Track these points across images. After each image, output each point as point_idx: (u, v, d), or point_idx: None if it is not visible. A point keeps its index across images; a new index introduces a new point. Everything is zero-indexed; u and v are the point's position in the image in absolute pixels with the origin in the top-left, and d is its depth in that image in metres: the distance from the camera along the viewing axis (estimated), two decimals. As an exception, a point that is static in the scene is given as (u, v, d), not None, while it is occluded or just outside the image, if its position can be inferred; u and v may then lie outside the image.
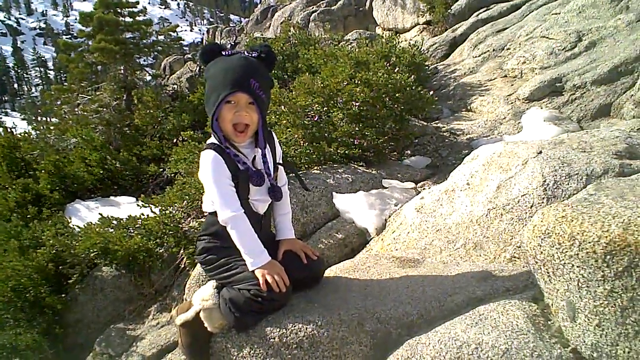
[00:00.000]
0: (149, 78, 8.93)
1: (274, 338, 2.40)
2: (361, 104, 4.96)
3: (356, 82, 5.07)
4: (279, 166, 2.73)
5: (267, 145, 2.62)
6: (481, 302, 2.51)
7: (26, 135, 8.23)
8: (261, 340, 2.41)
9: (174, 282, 5.00)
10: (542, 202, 3.11)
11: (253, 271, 2.40)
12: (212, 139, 2.51)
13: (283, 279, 2.40)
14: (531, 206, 3.15)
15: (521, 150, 3.58)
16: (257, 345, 2.41)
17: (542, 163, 3.31)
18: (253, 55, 2.49)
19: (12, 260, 4.81)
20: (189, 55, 20.81)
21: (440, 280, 2.78)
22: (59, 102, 8.73)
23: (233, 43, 9.69)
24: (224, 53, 2.47)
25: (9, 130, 7.80)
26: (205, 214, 2.71)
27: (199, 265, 4.44)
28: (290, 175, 3.48)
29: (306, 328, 2.40)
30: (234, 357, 2.44)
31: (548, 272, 2.13)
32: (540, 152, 3.45)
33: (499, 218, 3.26)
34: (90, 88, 8.35)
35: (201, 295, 2.57)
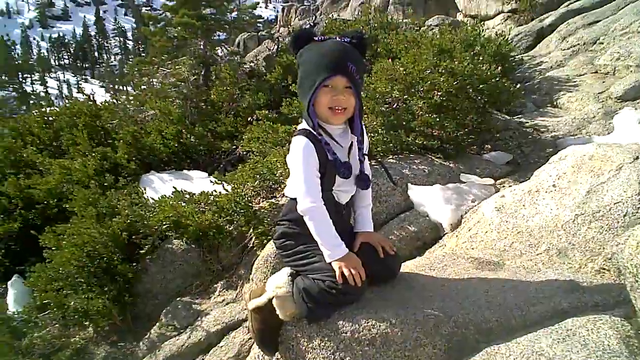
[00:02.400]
0: (226, 54, 9.01)
1: (346, 332, 2.36)
2: (443, 93, 4.80)
3: (440, 70, 4.90)
4: (365, 157, 2.66)
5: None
6: (567, 315, 2.37)
7: (107, 104, 8.50)
8: (332, 333, 2.39)
9: (242, 260, 5.04)
10: (637, 212, 2.92)
11: (330, 262, 2.36)
12: (304, 124, 2.47)
13: (360, 273, 2.35)
14: (624, 215, 2.95)
15: (615, 154, 3.35)
16: (327, 338, 2.39)
17: (638, 170, 3.09)
18: (345, 40, 2.43)
19: (89, 227, 4.98)
20: (264, 33, 20.91)
21: (523, 287, 2.65)
22: (138, 74, 8.96)
23: (312, 24, 9.63)
24: (316, 39, 2.42)
25: (91, 98, 8.08)
26: (287, 198, 2.69)
27: (267, 246, 4.47)
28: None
29: (380, 325, 2.36)
30: (304, 347, 2.43)
31: (650, 293, 1.97)
32: (637, 158, 3.23)
33: (587, 225, 3.07)
34: (170, 62, 8.52)
35: (275, 283, 2.56)
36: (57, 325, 5.05)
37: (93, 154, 6.87)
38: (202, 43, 8.44)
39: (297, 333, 2.47)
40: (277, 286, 2.53)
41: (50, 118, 8.54)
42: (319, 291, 2.35)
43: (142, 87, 8.53)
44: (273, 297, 2.52)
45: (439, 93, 4.83)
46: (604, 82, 6.19)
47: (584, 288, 2.57)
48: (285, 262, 2.65)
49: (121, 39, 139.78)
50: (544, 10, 10.49)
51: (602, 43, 7.21)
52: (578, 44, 7.67)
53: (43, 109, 8.87)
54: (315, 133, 2.42)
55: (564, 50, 7.79)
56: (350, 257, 2.39)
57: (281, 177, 5.18)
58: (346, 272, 2.31)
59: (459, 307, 2.46)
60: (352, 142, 2.55)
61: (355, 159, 2.58)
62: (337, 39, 2.44)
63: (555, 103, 6.24)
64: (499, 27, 11.00)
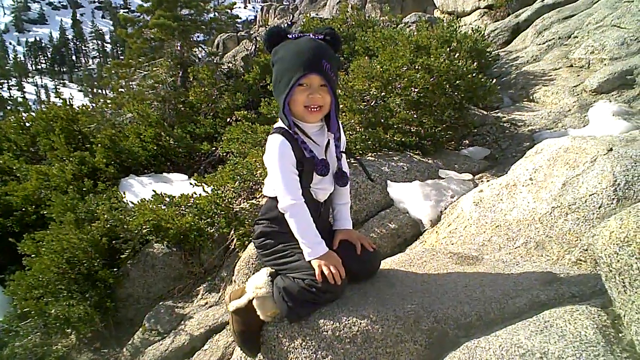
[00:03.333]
0: (204, 55, 8.95)
1: (327, 331, 2.35)
2: (420, 90, 4.82)
3: (416, 67, 4.92)
4: (343, 154, 2.66)
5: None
6: (545, 306, 2.39)
7: (84, 108, 8.41)
8: (314, 332, 2.38)
9: (224, 262, 5.03)
10: (612, 204, 2.95)
11: (309, 261, 2.36)
12: (280, 123, 2.46)
13: (339, 271, 2.34)
14: (599, 207, 2.98)
15: (590, 147, 3.38)
16: (309, 337, 2.37)
17: (612, 161, 3.12)
18: (319, 37, 2.42)
19: (68, 233, 4.93)
20: (243, 33, 20.81)
21: (501, 280, 2.66)
22: (116, 77, 8.87)
23: (289, 23, 9.60)
24: (290, 36, 2.41)
25: (68, 102, 7.98)
26: (265, 198, 2.68)
27: (249, 247, 4.46)
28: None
29: (360, 323, 2.35)
30: (285, 347, 2.41)
31: (624, 282, 2.00)
32: (611, 149, 3.26)
33: (563, 217, 3.11)
34: (148, 64, 8.44)
35: (255, 283, 2.54)
36: (38, 333, 4.99)
37: (71, 159, 6.79)
38: (179, 44, 8.37)
39: (279, 333, 2.46)
40: (257, 286, 2.52)
41: (27, 123, 8.43)
42: (299, 290, 2.34)
43: (120, 89, 8.44)
44: (253, 298, 2.51)
45: (416, 90, 4.85)
46: (578, 75, 6.26)
47: (562, 279, 2.59)
48: (265, 262, 2.63)
49: (99, 42, 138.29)
50: (519, 6, 10.59)
51: (577, 37, 7.29)
52: (553, 38, 7.75)
53: (19, 115, 8.73)
54: (291, 132, 2.41)
55: (539, 44, 7.87)
56: (330, 255, 2.38)
57: (261, 178, 5.17)
58: (326, 271, 2.31)
59: (438, 303, 2.46)
60: (329, 140, 2.55)
61: (333, 156, 2.58)
62: (311, 36, 2.44)
63: (531, 97, 6.30)
64: (476, 23, 11.06)
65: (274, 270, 2.56)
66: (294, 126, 2.43)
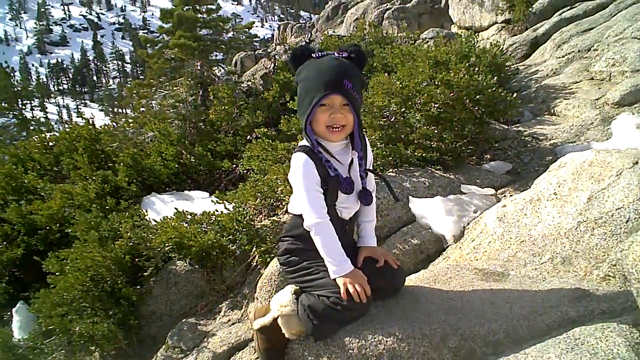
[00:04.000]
0: (223, 73, 9.05)
1: (353, 349, 2.34)
2: (440, 105, 4.81)
3: (436, 82, 4.92)
4: (369, 172, 2.67)
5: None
6: (574, 324, 2.36)
7: (106, 127, 8.53)
8: (340, 350, 2.37)
9: (245, 279, 5.02)
10: (639, 218, 2.90)
11: (335, 279, 2.35)
12: (304, 142, 2.48)
13: (365, 289, 2.34)
14: (627, 221, 2.94)
15: (615, 160, 3.34)
16: (335, 355, 2.37)
17: (639, 175, 3.08)
18: (343, 55, 2.43)
19: (92, 251, 4.97)
20: (260, 51, 21.05)
21: (529, 297, 2.63)
22: (137, 97, 9.00)
23: (307, 41, 9.69)
24: (314, 55, 2.42)
25: (90, 122, 8.10)
26: (290, 215, 2.69)
27: (271, 264, 4.46)
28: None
29: (386, 341, 2.34)
30: (311, 366, 2.41)
31: (656, 299, 1.96)
32: (637, 163, 3.22)
33: (590, 232, 3.06)
34: (168, 83, 8.57)
35: (279, 301, 2.54)
36: (62, 351, 5.01)
37: (94, 178, 6.86)
38: (199, 64, 8.48)
39: (304, 351, 2.46)
40: (282, 304, 2.52)
41: (50, 143, 8.56)
42: (324, 308, 2.34)
43: (141, 109, 8.55)
44: (278, 316, 2.51)
45: (436, 105, 4.85)
46: (600, 88, 6.21)
47: (591, 296, 2.55)
48: (289, 279, 2.64)
49: (119, 62, 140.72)
50: (537, 20, 10.56)
51: (597, 50, 7.24)
52: (573, 52, 7.71)
53: (43, 135, 8.89)
54: (314, 150, 2.42)
55: (559, 58, 7.83)
56: (355, 273, 2.38)
57: (282, 195, 5.18)
58: (351, 289, 2.30)
59: (465, 320, 2.44)
60: (352, 159, 2.55)
61: (357, 174, 2.58)
62: (335, 54, 2.44)
63: (552, 111, 6.25)
64: (494, 37, 11.06)
65: (298, 287, 2.56)
66: (317, 145, 2.44)
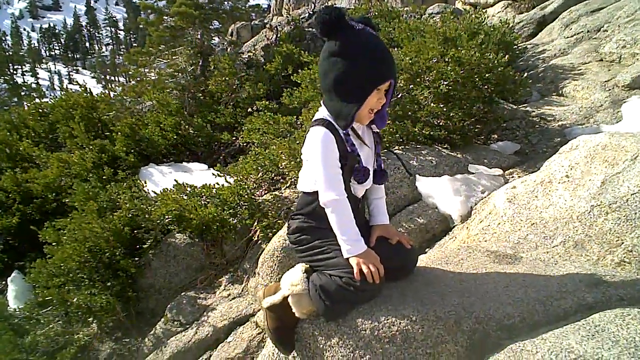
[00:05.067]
0: (225, 44, 8.88)
1: (366, 330, 2.30)
2: (450, 83, 4.71)
3: (446, 59, 4.81)
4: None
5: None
6: (592, 309, 2.31)
7: (103, 96, 8.37)
8: (351, 331, 2.32)
9: (246, 254, 4.98)
10: (655, 204, 2.85)
11: (348, 258, 2.29)
12: (321, 114, 2.36)
13: (378, 270, 2.27)
14: (642, 207, 2.88)
15: (629, 144, 3.28)
16: (346, 336, 2.32)
17: (655, 160, 3.03)
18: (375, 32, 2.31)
19: (91, 222, 4.89)
20: (257, 22, 20.70)
21: (543, 281, 2.58)
22: (135, 65, 8.81)
23: (311, 12, 9.49)
24: (353, 25, 2.21)
25: (88, 90, 7.95)
26: (300, 193, 2.60)
27: (273, 240, 4.40)
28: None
29: (400, 322, 2.29)
30: (321, 346, 2.36)
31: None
32: (652, 147, 3.16)
33: (603, 216, 3.01)
34: (168, 52, 8.38)
35: (290, 280, 2.48)
36: (60, 322, 4.97)
37: (91, 147, 6.76)
38: (199, 33, 8.30)
39: (315, 331, 2.41)
40: (293, 283, 2.45)
41: (46, 110, 8.41)
42: (336, 288, 2.28)
43: (139, 78, 8.38)
44: (288, 295, 2.45)
45: (445, 82, 4.75)
46: (609, 70, 6.11)
47: (607, 282, 2.51)
48: (300, 258, 2.57)
49: (112, 29, 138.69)
50: (545, -2, 10.39)
51: (607, 31, 7.12)
52: (582, 32, 7.58)
53: (37, 101, 8.73)
54: (336, 125, 2.31)
55: (567, 38, 7.70)
56: (368, 253, 2.31)
57: (285, 170, 5.10)
58: (365, 269, 2.24)
59: (479, 303, 2.39)
60: (373, 136, 2.49)
61: (373, 154, 2.51)
62: (368, 29, 2.29)
63: (560, 92, 6.16)
64: (499, 14, 10.88)
65: (309, 266, 2.50)
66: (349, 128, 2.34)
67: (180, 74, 8.14)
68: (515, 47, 7.16)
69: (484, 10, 7.42)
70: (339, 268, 2.31)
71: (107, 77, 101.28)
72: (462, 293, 2.49)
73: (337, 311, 2.35)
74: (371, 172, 2.48)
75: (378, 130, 2.53)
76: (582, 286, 2.48)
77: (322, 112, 2.36)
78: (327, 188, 2.28)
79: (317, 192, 2.35)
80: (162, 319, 4.67)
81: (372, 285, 2.27)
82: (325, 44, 2.27)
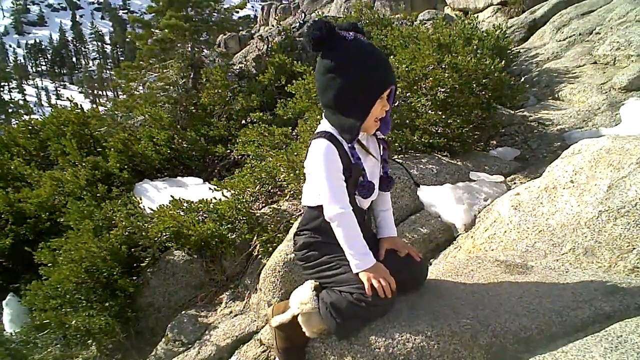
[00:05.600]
0: (214, 56, 8.82)
1: (379, 348, 2.23)
2: (447, 90, 4.67)
3: (443, 66, 4.77)
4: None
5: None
6: (610, 319, 2.26)
7: (94, 111, 8.27)
8: (365, 349, 2.25)
9: (247, 269, 4.90)
10: (666, 207, 2.81)
11: (357, 273, 2.22)
12: (323, 127, 2.29)
13: (390, 284, 2.21)
14: (651, 211, 2.84)
15: (633, 147, 3.24)
16: (360, 355, 2.25)
17: (661, 162, 2.99)
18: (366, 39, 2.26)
19: (87, 242, 4.79)
20: (244, 33, 20.64)
21: (557, 290, 2.52)
22: (125, 80, 8.73)
23: (302, 21, 9.45)
24: (343, 35, 2.18)
25: (79, 106, 7.84)
26: (305, 208, 2.53)
27: (274, 255, 4.32)
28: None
29: (414, 339, 2.22)
30: (334, 365, 2.29)
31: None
32: (658, 150, 3.12)
33: (612, 222, 2.96)
34: (158, 65, 8.30)
35: (299, 298, 2.40)
36: (58, 345, 4.87)
37: (83, 164, 6.66)
38: (189, 45, 8.23)
39: (326, 350, 2.34)
40: (302, 302, 2.38)
41: (36, 127, 8.30)
42: (347, 305, 2.21)
43: (130, 92, 8.30)
44: (298, 314, 2.38)
45: (443, 89, 4.71)
46: (604, 72, 6.10)
47: (624, 289, 2.45)
48: (308, 275, 2.49)
49: (99, 43, 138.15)
50: (534, 2, 10.40)
51: (599, 33, 7.13)
52: (574, 35, 7.58)
53: (27, 118, 8.61)
54: (338, 138, 2.25)
55: (559, 41, 7.71)
56: (378, 267, 2.25)
57: (284, 182, 5.03)
58: (376, 284, 2.18)
59: (494, 316, 2.33)
60: (380, 145, 2.44)
61: (379, 162, 2.45)
62: (359, 36, 2.25)
63: (557, 95, 6.14)
64: (489, 20, 10.91)
65: (317, 283, 2.43)
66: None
67: (171, 87, 8.07)
68: (509, 51, 7.15)
69: (475, 16, 7.37)
70: (349, 284, 2.24)
71: (95, 91, 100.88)
72: (476, 305, 2.43)
73: (349, 328, 2.28)
74: (376, 186, 2.42)
75: (383, 137, 2.47)
76: (598, 295, 2.43)
77: (325, 125, 2.30)
78: (332, 201, 2.22)
79: (321, 206, 2.29)
80: (163, 339, 4.57)
81: (384, 300, 2.21)
82: (319, 60, 2.24)
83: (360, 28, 2.27)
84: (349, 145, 2.26)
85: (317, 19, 2.62)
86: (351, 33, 2.21)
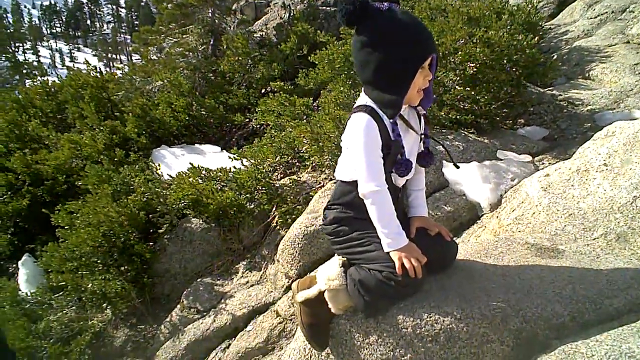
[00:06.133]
0: (236, 22, 8.66)
1: (407, 328, 2.19)
2: (478, 65, 4.53)
3: (474, 41, 4.62)
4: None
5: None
6: (647, 309, 2.19)
7: (113, 75, 8.20)
8: (392, 328, 2.21)
9: (264, 240, 4.86)
10: None
11: (388, 252, 2.16)
12: (363, 101, 2.22)
13: (421, 264, 2.14)
14: (689, 198, 2.74)
15: (671, 131, 3.13)
16: (386, 334, 2.21)
17: (700, 148, 2.88)
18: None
19: (105, 206, 4.76)
20: (261, 1, 20.30)
21: (591, 277, 2.45)
22: (145, 44, 8.62)
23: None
24: (381, 8, 2.08)
25: (97, 70, 7.75)
26: (337, 181, 2.46)
27: (293, 226, 4.26)
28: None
29: (443, 320, 2.18)
30: (359, 343, 2.26)
31: None
32: (697, 135, 3.01)
33: (647, 208, 2.87)
34: (178, 31, 8.18)
35: (327, 274, 2.35)
36: (73, 307, 4.88)
37: (101, 128, 6.61)
38: (210, 11, 8.09)
39: (352, 327, 2.30)
40: (330, 278, 2.33)
41: (54, 89, 8.24)
42: (377, 283, 2.16)
43: (149, 57, 8.19)
44: (325, 290, 2.33)
45: (473, 65, 4.57)
46: (638, 52, 5.89)
47: (661, 279, 2.38)
48: (337, 250, 2.44)
49: (114, 6, 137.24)
50: (565, -24, 10.08)
51: (633, 11, 6.88)
52: (606, 12, 7.33)
53: (43, 80, 8.53)
54: (379, 112, 2.17)
55: (590, 19, 7.46)
56: (410, 247, 2.19)
57: (305, 154, 4.95)
58: (407, 264, 2.12)
59: (526, 300, 2.27)
60: (422, 118, 2.38)
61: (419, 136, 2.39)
62: (394, 5, 2.14)
63: (587, 75, 5.95)
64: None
65: (346, 259, 2.37)
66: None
67: (191, 54, 7.95)
68: (540, 27, 6.93)
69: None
70: (379, 262, 2.19)
71: (109, 55, 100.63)
72: (507, 289, 2.37)
73: (377, 307, 2.24)
74: (414, 164, 2.34)
75: (425, 112, 2.38)
76: (634, 283, 2.36)
77: (364, 99, 2.22)
78: (368, 178, 2.16)
79: (356, 181, 2.23)
80: (178, 306, 4.57)
81: (415, 280, 2.16)
82: (354, 35, 2.14)
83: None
84: (391, 120, 2.17)
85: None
86: (385, 3, 2.09)
